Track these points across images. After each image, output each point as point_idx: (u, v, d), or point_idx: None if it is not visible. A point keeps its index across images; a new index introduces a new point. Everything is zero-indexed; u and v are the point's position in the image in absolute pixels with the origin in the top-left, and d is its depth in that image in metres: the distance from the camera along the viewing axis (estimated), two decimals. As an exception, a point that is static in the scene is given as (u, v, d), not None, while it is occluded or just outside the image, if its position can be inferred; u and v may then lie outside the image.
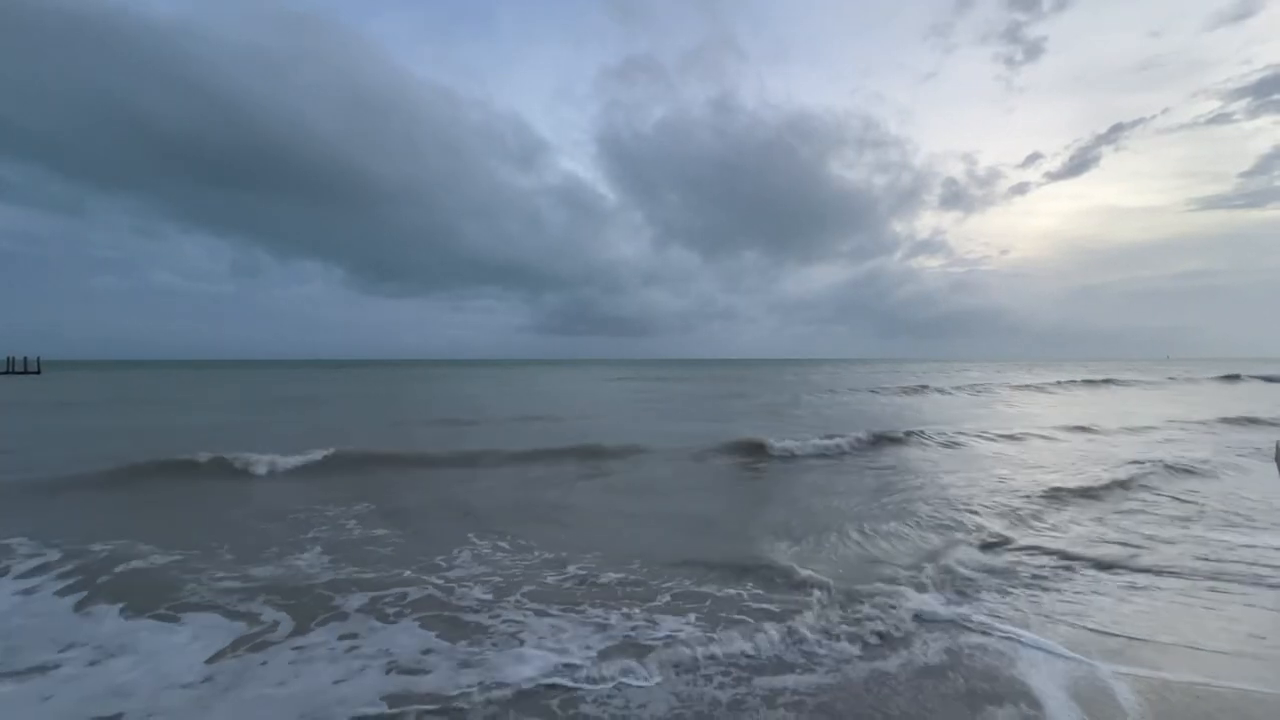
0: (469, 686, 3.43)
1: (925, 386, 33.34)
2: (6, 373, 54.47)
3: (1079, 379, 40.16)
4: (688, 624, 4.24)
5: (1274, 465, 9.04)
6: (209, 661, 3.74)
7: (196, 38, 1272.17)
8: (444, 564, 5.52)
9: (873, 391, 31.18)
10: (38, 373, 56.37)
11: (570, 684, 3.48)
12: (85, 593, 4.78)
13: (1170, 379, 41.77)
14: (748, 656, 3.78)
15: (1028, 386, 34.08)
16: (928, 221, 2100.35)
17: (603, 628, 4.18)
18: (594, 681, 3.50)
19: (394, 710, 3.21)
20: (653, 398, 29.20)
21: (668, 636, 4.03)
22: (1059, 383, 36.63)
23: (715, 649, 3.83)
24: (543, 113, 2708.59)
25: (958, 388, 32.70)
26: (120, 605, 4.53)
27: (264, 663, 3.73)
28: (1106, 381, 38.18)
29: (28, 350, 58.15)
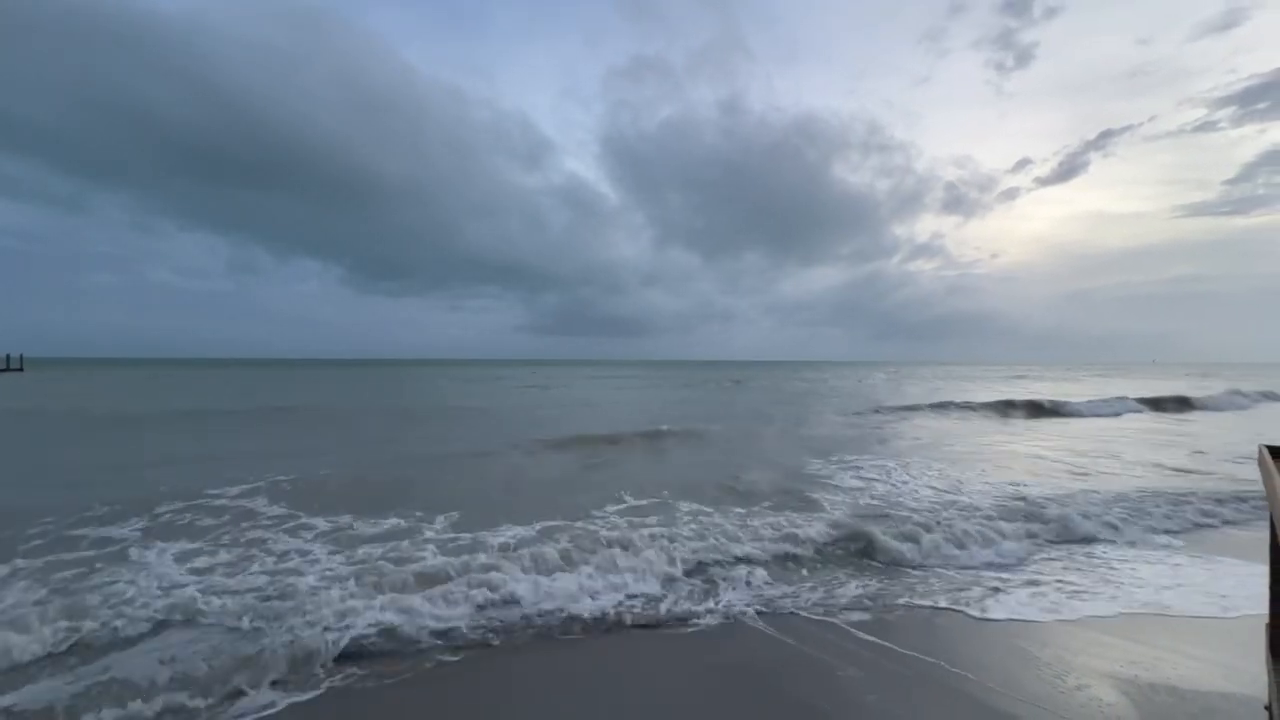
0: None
1: (1043, 405, 22.52)
2: (-11, 370, 52.68)
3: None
4: None
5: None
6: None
7: (199, 32, 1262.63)
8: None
9: (965, 407, 22.25)
10: (20, 370, 54.42)
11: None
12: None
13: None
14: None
15: (1170, 400, 28.48)
16: (927, 225, 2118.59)
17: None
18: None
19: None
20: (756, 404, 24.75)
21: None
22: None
23: None
24: (548, 111, 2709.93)
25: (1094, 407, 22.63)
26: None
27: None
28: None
29: (19, 347, 58.34)
